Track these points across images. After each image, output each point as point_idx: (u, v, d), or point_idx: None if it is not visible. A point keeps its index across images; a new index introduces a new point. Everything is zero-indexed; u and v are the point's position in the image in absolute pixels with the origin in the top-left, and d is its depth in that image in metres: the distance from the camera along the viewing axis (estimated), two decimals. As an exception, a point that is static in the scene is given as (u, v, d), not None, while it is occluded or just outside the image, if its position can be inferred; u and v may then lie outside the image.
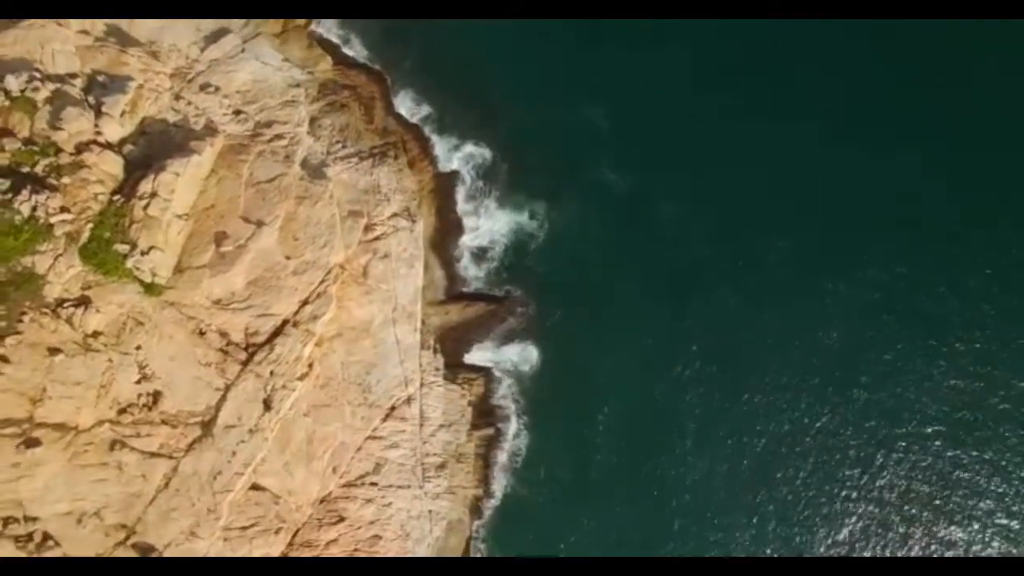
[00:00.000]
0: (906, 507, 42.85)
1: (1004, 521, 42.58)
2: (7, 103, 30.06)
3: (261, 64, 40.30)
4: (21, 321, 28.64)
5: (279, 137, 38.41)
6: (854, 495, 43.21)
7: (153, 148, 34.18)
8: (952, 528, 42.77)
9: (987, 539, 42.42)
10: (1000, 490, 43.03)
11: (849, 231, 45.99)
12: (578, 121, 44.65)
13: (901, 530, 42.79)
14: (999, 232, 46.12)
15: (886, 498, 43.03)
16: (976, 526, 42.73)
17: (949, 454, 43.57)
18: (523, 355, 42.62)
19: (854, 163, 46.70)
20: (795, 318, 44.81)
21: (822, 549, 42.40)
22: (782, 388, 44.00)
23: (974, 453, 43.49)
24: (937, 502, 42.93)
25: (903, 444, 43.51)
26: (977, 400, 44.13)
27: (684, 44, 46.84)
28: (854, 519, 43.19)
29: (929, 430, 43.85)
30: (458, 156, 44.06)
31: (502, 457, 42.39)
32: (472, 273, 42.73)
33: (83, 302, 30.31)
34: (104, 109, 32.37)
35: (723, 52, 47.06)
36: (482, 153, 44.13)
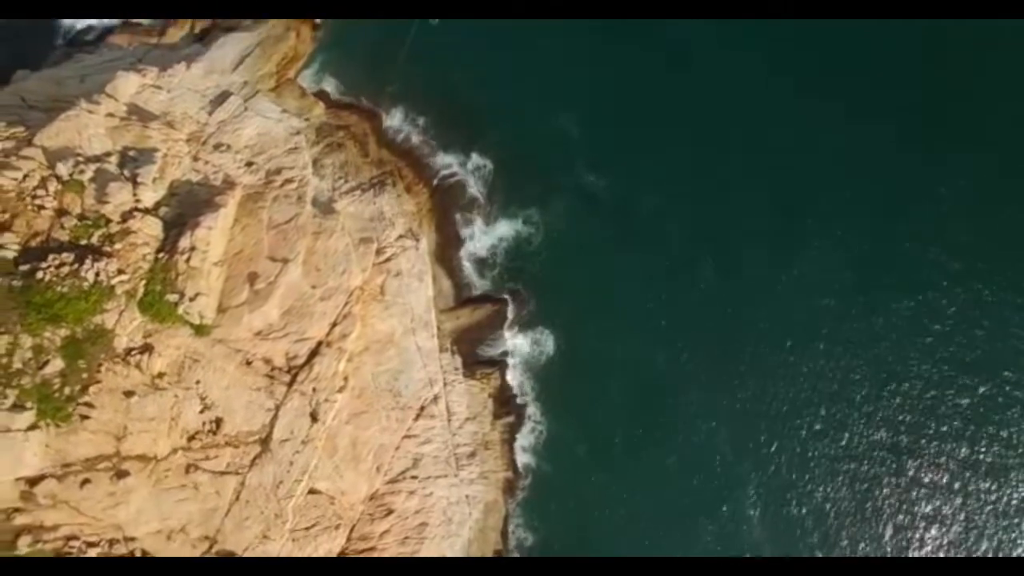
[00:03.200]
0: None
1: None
2: (60, 187, 34.65)
3: (263, 119, 44.83)
4: (99, 371, 33.17)
5: (289, 181, 42.94)
6: (852, 453, 47.62)
7: (183, 207, 38.70)
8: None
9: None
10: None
11: (818, 207, 50.26)
12: (554, 130, 49.18)
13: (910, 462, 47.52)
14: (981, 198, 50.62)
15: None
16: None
17: (932, 393, 48.38)
18: (531, 346, 47.28)
19: (815, 150, 50.88)
20: (778, 286, 49.45)
21: (820, 495, 47.04)
22: (778, 353, 48.49)
23: (950, 392, 48.31)
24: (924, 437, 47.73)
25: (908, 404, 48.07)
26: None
27: (648, 46, 50.83)
28: (852, 468, 47.77)
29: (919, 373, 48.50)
30: (449, 175, 48.61)
31: (525, 440, 47.09)
32: (476, 279, 47.44)
33: (147, 348, 34.86)
34: (139, 179, 36.86)
35: (686, 51, 51.11)
36: (471, 169, 48.68)
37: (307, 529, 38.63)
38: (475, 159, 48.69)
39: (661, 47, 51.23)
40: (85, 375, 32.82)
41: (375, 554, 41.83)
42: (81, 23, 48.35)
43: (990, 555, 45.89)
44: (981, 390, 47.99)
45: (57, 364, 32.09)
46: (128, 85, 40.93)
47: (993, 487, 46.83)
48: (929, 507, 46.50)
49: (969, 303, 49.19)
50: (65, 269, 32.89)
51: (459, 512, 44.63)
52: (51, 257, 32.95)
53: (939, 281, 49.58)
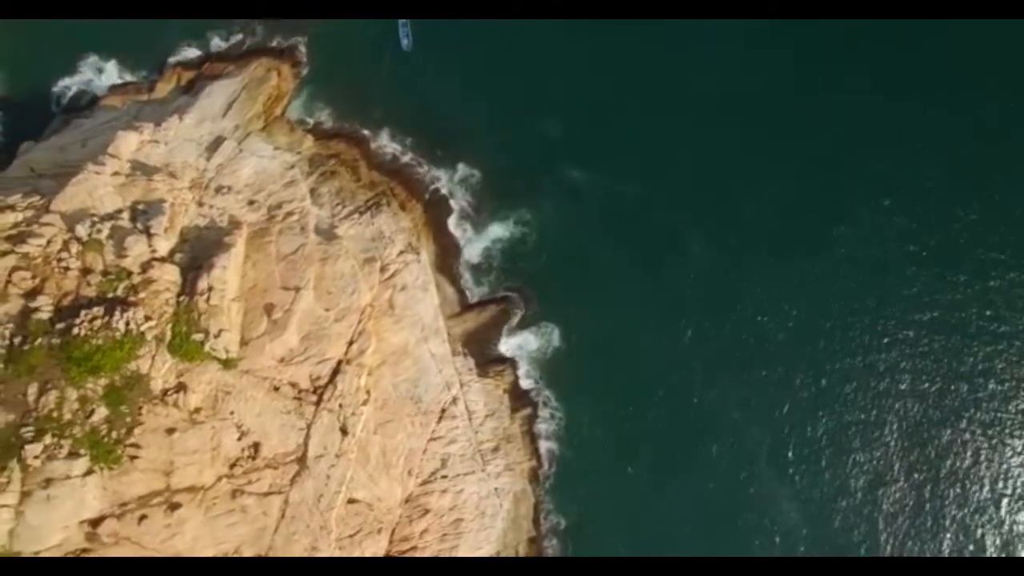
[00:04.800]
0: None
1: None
2: (81, 247, 36.98)
3: (258, 158, 47.19)
4: (141, 413, 35.46)
5: (290, 214, 45.31)
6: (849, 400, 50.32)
7: (196, 251, 41.01)
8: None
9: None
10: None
11: (780, 191, 52.62)
12: (534, 133, 51.69)
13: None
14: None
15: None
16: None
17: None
18: (538, 340, 49.70)
19: (781, 135, 53.17)
20: (764, 258, 51.88)
21: (823, 434, 49.53)
22: (772, 322, 51.19)
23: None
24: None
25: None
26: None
27: (619, 45, 53.35)
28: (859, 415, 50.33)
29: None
30: (439, 188, 51.01)
31: (545, 429, 49.50)
32: (478, 283, 49.82)
33: (181, 387, 37.16)
34: (151, 230, 39.15)
35: (655, 48, 53.51)
36: (460, 180, 51.07)
37: (351, 536, 41.01)
38: (462, 170, 51.09)
39: (631, 45, 53.50)
40: (129, 419, 35.13)
41: (417, 553, 44.27)
42: (73, 88, 50.75)
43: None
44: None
45: (102, 411, 34.43)
46: (128, 143, 43.22)
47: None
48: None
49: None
50: (97, 323, 35.20)
51: (491, 505, 47.02)
52: (83, 313, 35.26)
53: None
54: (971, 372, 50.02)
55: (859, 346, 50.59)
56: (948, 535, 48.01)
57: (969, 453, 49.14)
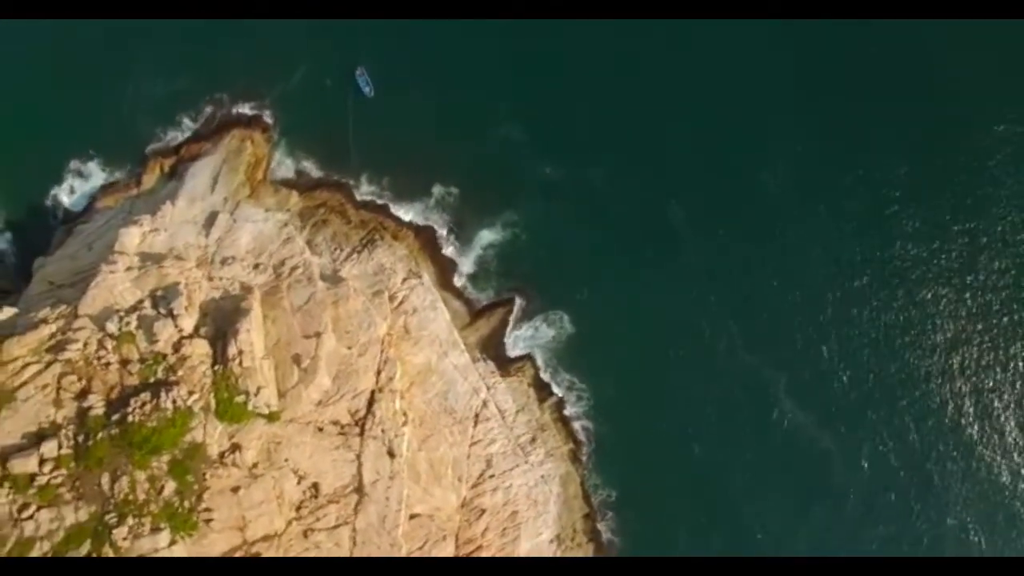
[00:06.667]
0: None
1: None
2: (115, 342, 39.84)
3: (252, 223, 49.88)
4: (205, 479, 38.37)
5: (295, 268, 48.05)
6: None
7: (218, 322, 43.73)
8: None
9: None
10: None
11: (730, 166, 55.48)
12: (501, 141, 54.39)
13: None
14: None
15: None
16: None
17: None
18: (549, 329, 52.58)
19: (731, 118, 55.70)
20: (745, 216, 54.89)
21: (830, 357, 52.68)
22: (761, 267, 54.55)
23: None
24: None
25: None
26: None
27: (565, 45, 55.60)
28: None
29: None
30: (425, 212, 53.72)
31: (574, 411, 52.48)
32: (480, 290, 52.67)
33: (235, 447, 39.96)
34: (174, 312, 41.85)
35: (602, 45, 55.98)
36: (441, 201, 53.75)
37: (420, 548, 43.96)
38: (443, 191, 53.72)
39: (569, 43, 55.72)
40: (196, 486, 38.04)
41: (482, 552, 47.17)
42: (65, 199, 53.32)
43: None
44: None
45: (171, 485, 37.34)
46: (132, 238, 45.96)
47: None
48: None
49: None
50: (148, 407, 38.04)
51: (540, 492, 49.94)
52: (133, 401, 38.12)
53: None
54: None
55: (846, 277, 54.47)
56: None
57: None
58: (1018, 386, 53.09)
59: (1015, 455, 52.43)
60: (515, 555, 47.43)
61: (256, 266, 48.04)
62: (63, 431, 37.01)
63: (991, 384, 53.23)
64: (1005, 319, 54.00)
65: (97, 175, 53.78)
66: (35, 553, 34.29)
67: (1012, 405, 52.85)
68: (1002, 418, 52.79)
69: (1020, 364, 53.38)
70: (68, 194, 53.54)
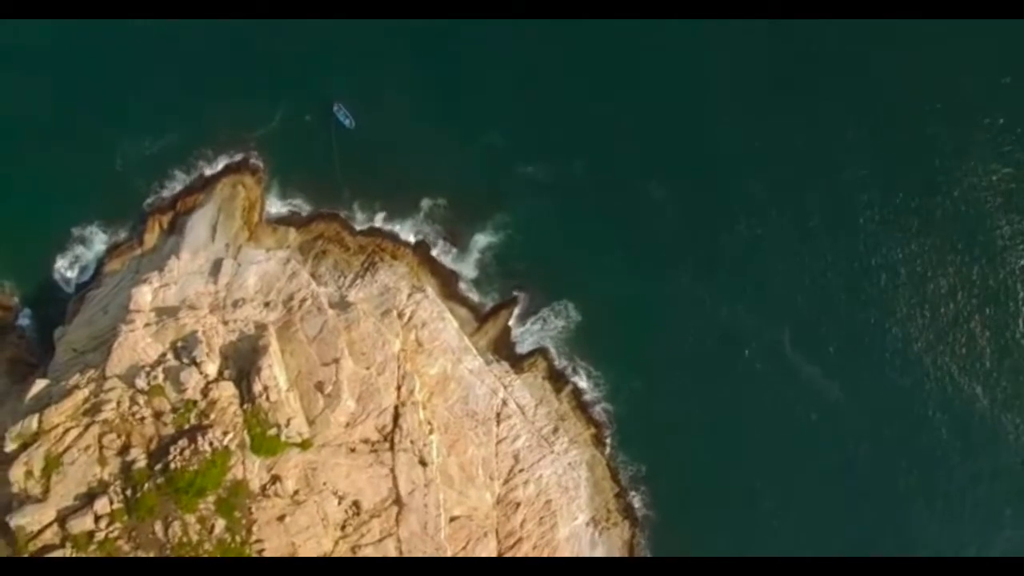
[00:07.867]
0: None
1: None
2: (147, 396, 41.70)
3: (256, 264, 51.50)
4: (252, 513, 40.24)
5: (304, 300, 49.74)
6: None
7: (239, 363, 45.54)
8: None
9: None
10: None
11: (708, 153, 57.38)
12: (482, 147, 56.04)
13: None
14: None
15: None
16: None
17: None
18: (556, 320, 54.37)
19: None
20: (728, 195, 57.01)
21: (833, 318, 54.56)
22: (753, 235, 56.58)
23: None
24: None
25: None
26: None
27: (536, 45, 57.15)
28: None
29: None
30: (418, 228, 55.51)
31: (592, 397, 54.30)
32: (484, 294, 54.49)
33: (275, 479, 41.87)
34: (197, 360, 43.66)
35: (572, 46, 57.55)
36: (432, 215, 55.53)
37: (464, 548, 45.76)
38: (428, 204, 55.43)
39: (548, 47, 57.27)
40: (244, 520, 39.92)
41: (523, 543, 49.02)
42: (72, 269, 55.06)
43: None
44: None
45: (220, 523, 39.20)
46: (144, 296, 47.61)
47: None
48: None
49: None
50: (187, 452, 39.86)
51: (570, 478, 51.79)
52: (172, 449, 39.95)
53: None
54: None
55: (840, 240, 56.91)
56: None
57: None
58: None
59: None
60: (555, 541, 49.26)
61: (267, 304, 49.81)
62: (111, 487, 38.88)
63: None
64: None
65: (99, 237, 55.07)
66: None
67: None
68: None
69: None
70: (75, 263, 55.07)
